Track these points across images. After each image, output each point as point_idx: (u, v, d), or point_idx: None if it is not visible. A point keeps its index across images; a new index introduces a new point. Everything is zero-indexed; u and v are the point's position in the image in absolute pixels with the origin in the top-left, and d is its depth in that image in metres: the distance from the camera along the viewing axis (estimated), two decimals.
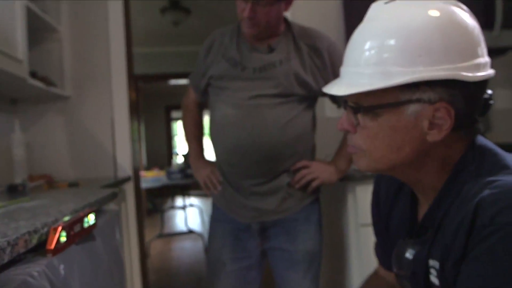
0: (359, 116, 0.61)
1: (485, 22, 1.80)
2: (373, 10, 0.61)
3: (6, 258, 0.55)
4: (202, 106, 1.46)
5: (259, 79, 1.20)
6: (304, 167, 1.25)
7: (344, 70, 0.64)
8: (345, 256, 1.55)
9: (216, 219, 1.36)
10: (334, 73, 1.24)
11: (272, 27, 1.21)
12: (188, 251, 3.83)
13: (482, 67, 0.57)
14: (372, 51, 0.57)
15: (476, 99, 0.58)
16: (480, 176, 0.56)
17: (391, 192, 0.75)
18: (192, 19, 3.97)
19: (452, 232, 0.54)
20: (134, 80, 2.19)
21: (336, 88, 0.62)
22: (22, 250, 0.60)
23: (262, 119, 1.18)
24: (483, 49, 0.58)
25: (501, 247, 0.48)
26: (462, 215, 0.53)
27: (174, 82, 5.67)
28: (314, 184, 1.26)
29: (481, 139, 0.61)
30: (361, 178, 1.44)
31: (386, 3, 0.60)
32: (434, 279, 0.59)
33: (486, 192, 0.51)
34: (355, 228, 1.45)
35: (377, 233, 0.82)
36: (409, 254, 0.65)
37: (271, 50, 1.22)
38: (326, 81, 1.22)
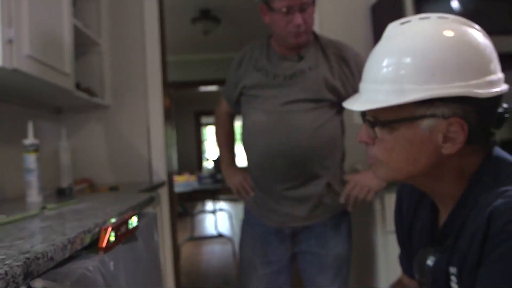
0: (377, 130, 0.65)
1: None
2: (390, 30, 0.66)
3: (67, 254, 0.63)
4: (233, 116, 1.52)
5: (290, 85, 1.25)
6: (353, 188, 1.26)
7: (363, 86, 0.68)
8: (373, 262, 1.57)
9: (247, 223, 1.41)
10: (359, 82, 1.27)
11: (311, 32, 1.27)
12: (217, 255, 3.91)
13: (495, 84, 0.60)
14: (390, 68, 0.61)
15: (490, 114, 0.61)
16: (496, 186, 0.58)
17: (413, 202, 0.78)
18: (221, 28, 4.08)
19: (468, 240, 0.57)
20: (167, 87, 2.30)
21: (355, 104, 0.67)
22: (78, 247, 0.68)
23: (293, 124, 1.22)
24: (496, 66, 0.61)
25: (510, 254, 0.51)
26: (477, 223, 0.56)
27: (203, 88, 5.82)
28: (370, 197, 1.27)
29: (498, 151, 0.64)
30: (388, 186, 1.45)
31: (402, 23, 0.64)
32: (454, 286, 0.62)
33: (499, 201, 0.54)
34: (382, 236, 1.47)
35: (400, 242, 0.85)
36: (430, 262, 0.67)
37: (300, 58, 1.28)
38: (354, 89, 1.26)
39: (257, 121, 1.28)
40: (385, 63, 0.62)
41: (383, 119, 0.63)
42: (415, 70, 0.59)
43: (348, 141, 1.40)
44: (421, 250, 0.71)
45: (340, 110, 1.32)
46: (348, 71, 1.27)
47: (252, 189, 1.37)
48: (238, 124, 1.43)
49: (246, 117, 1.34)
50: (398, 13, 1.81)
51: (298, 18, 1.18)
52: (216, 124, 1.54)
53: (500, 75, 0.62)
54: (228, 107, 1.48)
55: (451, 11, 1.72)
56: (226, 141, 1.50)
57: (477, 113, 0.59)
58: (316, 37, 1.32)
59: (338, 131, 1.30)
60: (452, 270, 0.62)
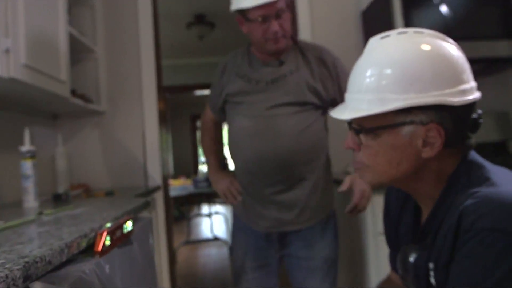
0: (362, 137, 0.69)
1: (503, 33, 1.82)
2: (372, 44, 0.71)
3: (64, 258, 0.66)
4: (219, 123, 1.53)
5: (273, 90, 1.28)
6: (361, 199, 1.26)
7: (347, 96, 0.72)
8: (363, 263, 1.60)
9: (238, 228, 1.43)
10: (339, 85, 1.31)
11: (290, 36, 1.30)
12: (213, 258, 3.93)
13: (468, 92, 0.65)
14: (372, 79, 0.66)
15: (464, 119, 0.66)
16: (469, 187, 0.63)
17: (399, 204, 0.82)
18: (216, 33, 4.12)
19: (443, 237, 0.62)
20: (162, 91, 2.33)
21: (340, 113, 0.71)
22: (75, 251, 0.71)
23: (278, 128, 1.25)
24: (468, 75, 0.66)
25: (479, 249, 0.56)
26: (450, 222, 0.61)
27: (199, 92, 5.84)
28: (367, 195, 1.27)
29: (472, 154, 0.69)
30: (378, 187, 1.49)
31: (382, 38, 0.69)
32: (432, 280, 0.66)
33: (469, 201, 0.59)
34: (373, 236, 1.50)
35: (388, 241, 0.88)
36: (412, 259, 0.72)
37: (281, 63, 1.31)
38: (333, 91, 1.31)
39: (242, 126, 1.30)
40: (368, 73, 0.67)
41: (368, 126, 0.68)
42: (395, 80, 0.63)
43: (341, 143, 1.44)
44: (403, 247, 0.76)
45: (324, 111, 1.35)
46: (327, 73, 1.31)
47: (239, 193, 1.39)
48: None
49: (231, 123, 1.36)
50: (387, 19, 1.86)
51: (274, 26, 1.21)
52: (202, 131, 1.56)
53: (472, 83, 0.67)
54: (213, 116, 1.49)
55: (439, 16, 1.76)
56: (212, 147, 1.53)
57: (452, 119, 0.64)
58: (294, 41, 1.36)
59: (323, 133, 1.34)
60: (431, 265, 0.66)
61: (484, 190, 0.60)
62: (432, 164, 0.67)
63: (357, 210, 1.26)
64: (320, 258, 1.32)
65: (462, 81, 0.64)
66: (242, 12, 1.24)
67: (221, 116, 1.45)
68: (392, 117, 0.65)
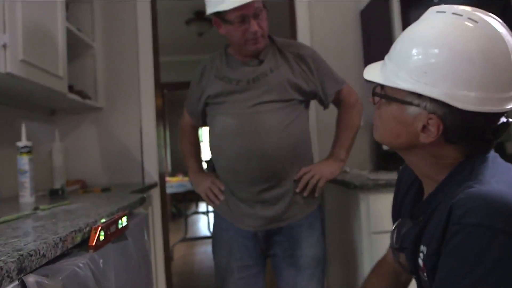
0: (376, 98, 0.76)
1: None
2: (426, 14, 0.71)
3: (58, 252, 0.67)
4: (196, 128, 1.54)
5: (254, 88, 1.28)
6: (305, 173, 1.31)
7: (386, 58, 0.75)
8: (357, 262, 1.61)
9: (221, 228, 1.40)
10: (319, 78, 1.33)
11: (267, 36, 1.31)
12: (210, 255, 3.90)
13: (489, 101, 0.62)
14: (402, 53, 0.69)
15: (475, 124, 0.64)
16: (466, 181, 0.65)
17: (410, 179, 0.86)
18: (215, 30, 4.11)
19: (435, 225, 0.65)
20: (161, 88, 2.33)
21: (369, 72, 0.77)
22: (70, 245, 0.72)
23: (262, 124, 1.25)
24: (505, 84, 0.63)
25: (464, 244, 0.58)
26: (442, 212, 0.63)
27: None
28: (321, 184, 1.32)
29: (492, 156, 0.69)
30: (374, 187, 1.50)
31: (438, 11, 0.68)
32: (420, 262, 0.70)
33: (460, 195, 0.61)
34: (367, 236, 1.51)
35: (393, 216, 0.92)
36: (404, 230, 0.77)
37: (260, 62, 1.31)
38: (315, 84, 1.33)
39: (226, 125, 1.29)
40: (399, 46, 0.71)
41: (386, 92, 0.73)
42: (416, 63, 0.66)
43: (328, 140, 1.47)
44: (399, 220, 0.81)
45: (306, 107, 1.37)
46: (307, 68, 1.32)
47: (221, 192, 1.38)
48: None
49: (213, 123, 1.35)
50: (386, 18, 1.87)
51: (254, 26, 1.21)
52: (181, 136, 1.55)
53: (497, 95, 0.62)
54: (191, 120, 1.49)
55: None
56: (191, 150, 1.52)
57: (455, 119, 0.64)
58: (271, 40, 1.36)
59: (306, 128, 1.35)
60: (422, 248, 0.69)
61: (477, 186, 0.62)
62: (428, 148, 0.70)
63: (304, 184, 1.31)
64: (307, 257, 1.33)
65: (486, 89, 0.62)
66: (219, 14, 1.23)
67: (199, 120, 1.44)
68: (404, 94, 0.68)
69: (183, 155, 1.54)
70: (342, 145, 1.38)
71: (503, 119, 0.66)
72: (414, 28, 0.71)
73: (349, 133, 1.39)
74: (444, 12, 0.67)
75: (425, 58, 0.65)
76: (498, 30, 0.64)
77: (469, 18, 0.64)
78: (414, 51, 0.67)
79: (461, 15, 0.65)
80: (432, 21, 0.68)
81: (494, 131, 0.66)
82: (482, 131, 0.66)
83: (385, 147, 1.88)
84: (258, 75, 1.29)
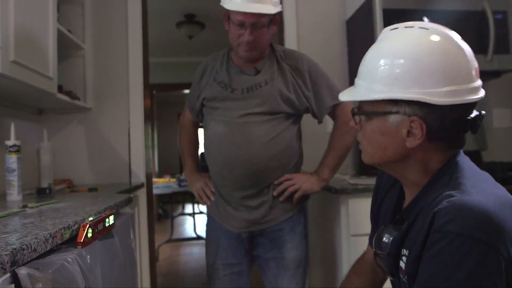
0: (357, 118, 0.78)
1: (479, 47, 1.92)
2: (383, 33, 0.77)
3: (48, 247, 0.70)
4: (197, 124, 1.59)
5: (247, 99, 1.33)
6: (287, 179, 1.36)
7: (356, 80, 0.79)
8: (337, 264, 1.67)
9: (210, 228, 1.49)
10: (314, 92, 1.37)
11: (264, 49, 1.36)
12: (195, 256, 3.97)
13: (459, 93, 0.68)
14: (370, 68, 0.74)
15: (453, 119, 0.70)
16: (448, 187, 0.69)
17: (389, 184, 0.90)
18: (205, 33, 4.16)
19: (418, 231, 0.68)
20: (150, 89, 2.35)
21: (344, 94, 0.81)
22: (59, 241, 0.75)
23: (249, 135, 1.30)
24: (466, 76, 0.69)
25: (443, 251, 0.61)
26: (425, 219, 0.67)
27: (187, 91, 5.85)
28: (297, 195, 1.37)
29: (461, 156, 0.75)
30: (353, 191, 1.56)
31: (391, 29, 0.75)
32: (402, 264, 0.74)
33: (443, 204, 0.64)
34: (347, 238, 1.57)
35: (371, 219, 0.96)
36: (386, 239, 0.80)
37: (257, 72, 1.36)
38: (308, 99, 1.36)
39: (216, 131, 1.35)
40: (366, 64, 0.76)
41: (364, 109, 0.77)
42: (385, 74, 0.71)
43: (315, 149, 1.51)
44: (381, 227, 0.83)
45: (297, 120, 1.41)
46: (302, 82, 1.35)
47: (213, 194, 1.44)
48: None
49: (207, 127, 1.41)
50: (369, 29, 1.94)
51: (246, 36, 1.26)
52: (180, 131, 1.60)
53: (473, 84, 0.69)
54: (191, 116, 1.54)
55: None
56: (189, 148, 1.58)
57: (436, 116, 0.69)
58: (272, 49, 1.40)
59: (293, 140, 1.38)
60: (404, 251, 0.73)
61: (459, 196, 0.65)
62: (418, 154, 0.73)
63: (282, 189, 1.35)
64: (288, 258, 1.38)
65: (454, 82, 0.67)
66: (227, 10, 1.28)
67: (199, 116, 1.49)
68: (383, 106, 0.72)
69: (181, 152, 1.59)
70: (328, 165, 1.41)
71: (476, 112, 0.72)
72: (376, 45, 0.76)
73: (337, 153, 1.40)
74: (397, 28, 0.74)
75: (393, 67, 0.70)
76: (448, 33, 0.72)
77: (420, 28, 0.72)
78: (382, 62, 0.72)
79: (412, 27, 0.73)
80: (391, 37, 0.74)
81: (471, 123, 0.71)
82: (461, 125, 0.71)
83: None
84: (252, 86, 1.34)
